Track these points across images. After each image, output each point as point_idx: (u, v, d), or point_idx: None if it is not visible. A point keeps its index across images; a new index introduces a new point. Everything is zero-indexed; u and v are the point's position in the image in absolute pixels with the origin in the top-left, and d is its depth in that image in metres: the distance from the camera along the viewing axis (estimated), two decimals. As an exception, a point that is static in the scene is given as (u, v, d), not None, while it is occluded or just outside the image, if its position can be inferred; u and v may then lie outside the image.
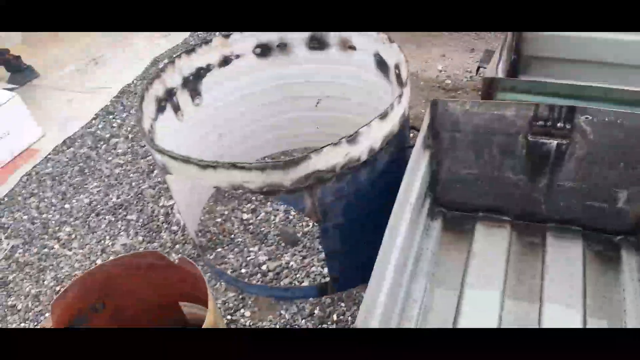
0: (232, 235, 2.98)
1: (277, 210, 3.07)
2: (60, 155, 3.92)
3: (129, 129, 4.06)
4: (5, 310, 2.82)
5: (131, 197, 3.38)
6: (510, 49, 3.16)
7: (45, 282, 2.92)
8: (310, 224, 2.93)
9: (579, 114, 2.07)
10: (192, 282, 2.13)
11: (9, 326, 2.72)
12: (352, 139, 1.96)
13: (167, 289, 2.26)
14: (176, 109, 2.75)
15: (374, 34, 2.62)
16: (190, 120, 2.87)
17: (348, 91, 3.06)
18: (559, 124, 2.12)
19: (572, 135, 2.13)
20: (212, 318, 1.89)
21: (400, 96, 2.13)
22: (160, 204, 3.27)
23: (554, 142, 2.18)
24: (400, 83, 2.48)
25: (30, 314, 2.77)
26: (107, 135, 4.03)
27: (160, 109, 2.60)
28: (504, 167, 2.35)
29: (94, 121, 4.22)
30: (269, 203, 3.13)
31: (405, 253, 2.16)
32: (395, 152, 2.24)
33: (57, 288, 2.85)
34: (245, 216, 3.08)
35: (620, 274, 2.18)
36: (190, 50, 2.75)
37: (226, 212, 3.13)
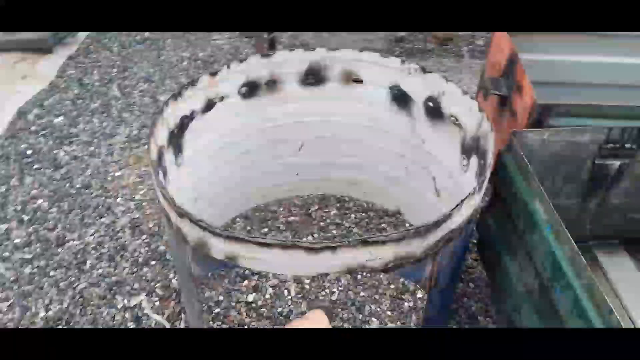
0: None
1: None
2: None
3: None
4: None
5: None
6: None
7: None
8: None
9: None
10: None
11: None
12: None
13: None
14: (164, 172, 2.06)
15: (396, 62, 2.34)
16: (173, 182, 2.18)
17: (342, 132, 2.69)
18: (626, 145, 2.13)
19: (636, 154, 2.16)
20: None
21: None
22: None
23: (617, 163, 2.18)
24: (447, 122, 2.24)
25: None
26: None
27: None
28: (561, 194, 2.27)
29: None
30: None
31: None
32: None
33: None
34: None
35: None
36: (176, 95, 2.09)
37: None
